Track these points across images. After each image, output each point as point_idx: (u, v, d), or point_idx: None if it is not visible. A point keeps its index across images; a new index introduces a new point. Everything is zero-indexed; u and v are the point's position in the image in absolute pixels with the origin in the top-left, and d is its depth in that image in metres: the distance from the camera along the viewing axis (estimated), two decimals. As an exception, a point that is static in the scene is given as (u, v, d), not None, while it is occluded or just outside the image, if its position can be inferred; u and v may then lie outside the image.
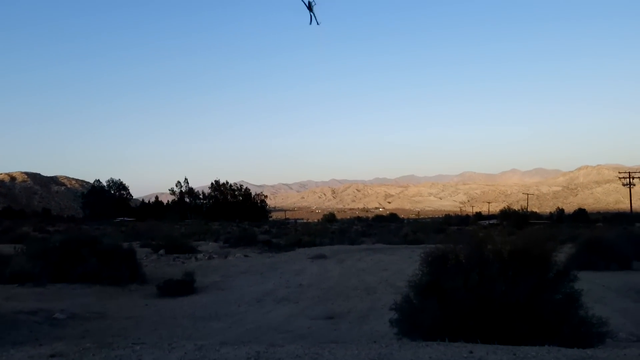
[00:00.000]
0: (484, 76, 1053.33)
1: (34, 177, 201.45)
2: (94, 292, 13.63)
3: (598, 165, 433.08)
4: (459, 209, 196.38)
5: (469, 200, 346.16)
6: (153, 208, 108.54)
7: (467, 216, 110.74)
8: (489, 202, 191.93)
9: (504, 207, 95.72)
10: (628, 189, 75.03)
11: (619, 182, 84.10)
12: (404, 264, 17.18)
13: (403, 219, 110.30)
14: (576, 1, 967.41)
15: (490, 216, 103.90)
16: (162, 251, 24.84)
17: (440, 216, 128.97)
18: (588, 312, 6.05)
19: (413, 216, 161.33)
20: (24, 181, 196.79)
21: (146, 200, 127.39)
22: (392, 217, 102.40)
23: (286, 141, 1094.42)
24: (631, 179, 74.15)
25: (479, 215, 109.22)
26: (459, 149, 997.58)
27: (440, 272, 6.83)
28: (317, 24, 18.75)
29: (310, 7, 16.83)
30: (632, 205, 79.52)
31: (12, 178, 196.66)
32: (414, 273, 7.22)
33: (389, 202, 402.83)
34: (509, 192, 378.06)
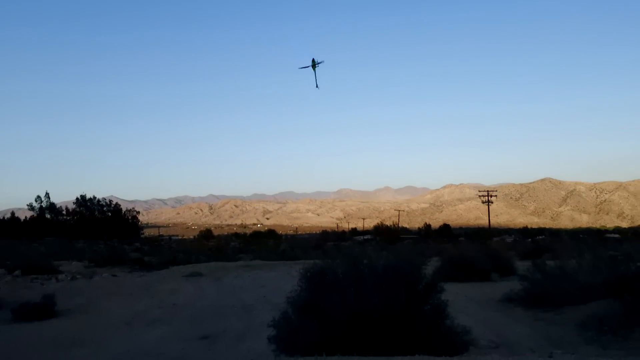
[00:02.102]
0: (360, 101, 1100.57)
1: None
2: None
3: (461, 184, 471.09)
4: (335, 225, 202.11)
5: (345, 217, 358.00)
6: (8, 225, 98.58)
7: (344, 232, 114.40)
8: (364, 219, 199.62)
9: (378, 223, 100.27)
10: (487, 206, 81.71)
11: (479, 199, 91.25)
12: (282, 281, 17.20)
13: (281, 235, 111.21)
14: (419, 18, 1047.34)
15: (365, 232, 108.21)
16: (17, 272, 22.56)
17: (318, 232, 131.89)
18: (453, 321, 6.45)
19: (291, 232, 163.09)
20: None
21: (0, 217, 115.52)
22: (271, 234, 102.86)
23: (161, 155, 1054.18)
24: (489, 197, 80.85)
25: (354, 231, 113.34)
26: (336, 167, 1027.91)
27: (319, 288, 6.92)
28: (316, 87, 18.70)
29: (314, 66, 16.81)
30: (490, 221, 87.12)
31: None
32: (293, 289, 7.24)
33: (268, 219, 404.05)
34: (382, 209, 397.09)
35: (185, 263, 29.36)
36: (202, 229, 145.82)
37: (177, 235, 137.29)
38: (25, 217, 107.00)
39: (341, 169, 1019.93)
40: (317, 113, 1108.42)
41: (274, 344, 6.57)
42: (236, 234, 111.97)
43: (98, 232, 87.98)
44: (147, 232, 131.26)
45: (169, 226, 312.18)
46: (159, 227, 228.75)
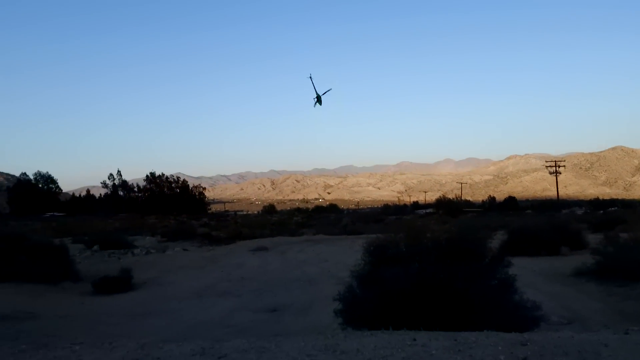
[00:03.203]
0: (418, 70, 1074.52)
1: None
2: (25, 291, 12.97)
3: (526, 154, 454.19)
4: (396, 199, 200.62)
5: (406, 190, 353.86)
6: (84, 202, 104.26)
7: (405, 205, 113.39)
8: (425, 192, 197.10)
9: (440, 197, 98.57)
10: (554, 177, 78.69)
11: (545, 170, 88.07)
12: (345, 255, 17.39)
13: (343, 210, 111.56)
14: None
15: (426, 205, 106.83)
16: (96, 247, 23.96)
17: (379, 206, 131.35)
18: (522, 296, 6.35)
19: (352, 206, 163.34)
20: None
21: (77, 194, 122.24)
22: (332, 208, 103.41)
23: (223, 133, 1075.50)
24: (557, 168, 77.78)
25: (416, 205, 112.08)
26: (396, 140, 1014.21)
27: (382, 262, 6.99)
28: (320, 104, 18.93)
29: (319, 99, 16.96)
30: (559, 192, 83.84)
31: None
32: (356, 263, 7.35)
33: (329, 193, 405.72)
34: (443, 182, 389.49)
35: (250, 238, 30.15)
36: (265, 204, 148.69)
37: (242, 211, 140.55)
38: (100, 194, 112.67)
39: (401, 142, 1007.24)
40: (373, 86, 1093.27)
41: (340, 317, 6.71)
42: (298, 209, 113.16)
43: (168, 207, 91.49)
44: (213, 208, 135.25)
45: (233, 202, 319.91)
46: (224, 202, 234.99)
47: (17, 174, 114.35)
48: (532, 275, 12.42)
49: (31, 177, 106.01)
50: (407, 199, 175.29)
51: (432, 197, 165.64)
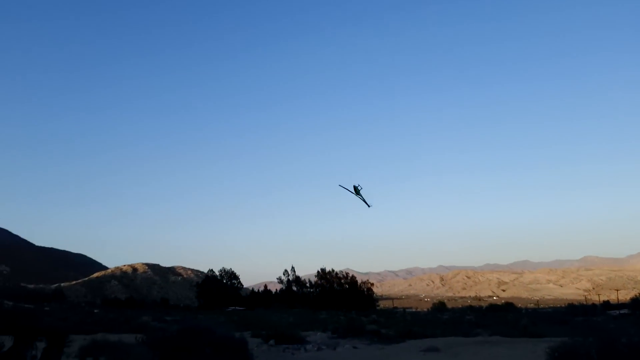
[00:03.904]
0: (604, 153, 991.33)
1: (154, 267, 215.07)
2: (209, 382, 13.85)
3: None
4: (583, 298, 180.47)
5: (593, 288, 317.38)
6: (262, 297, 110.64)
7: (594, 305, 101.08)
8: (617, 290, 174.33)
9: (636, 295, 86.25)
10: None
11: None
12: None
13: (520, 309, 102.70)
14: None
15: (620, 305, 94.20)
16: (272, 341, 24.97)
17: (562, 305, 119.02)
18: None
19: (532, 305, 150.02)
20: (144, 272, 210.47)
21: (255, 289, 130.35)
22: (508, 306, 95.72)
23: (391, 228, 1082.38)
24: None
25: (607, 304, 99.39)
26: (579, 231, 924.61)
27: (571, 370, 6.27)
28: (368, 206, 19.43)
29: (357, 192, 17.69)
30: None
31: (134, 269, 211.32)
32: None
33: (503, 290, 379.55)
34: (639, 278, 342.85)
35: (421, 337, 29.03)
36: (434, 300, 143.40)
37: (411, 307, 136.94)
38: (276, 289, 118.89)
39: (584, 233, 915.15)
40: (546, 171, 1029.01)
41: None
42: (470, 307, 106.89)
43: (337, 303, 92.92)
44: (381, 304, 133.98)
45: (401, 298, 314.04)
46: (392, 299, 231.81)
47: (205, 271, 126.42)
48: None
49: (217, 273, 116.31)
50: (596, 298, 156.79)
51: (625, 295, 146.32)
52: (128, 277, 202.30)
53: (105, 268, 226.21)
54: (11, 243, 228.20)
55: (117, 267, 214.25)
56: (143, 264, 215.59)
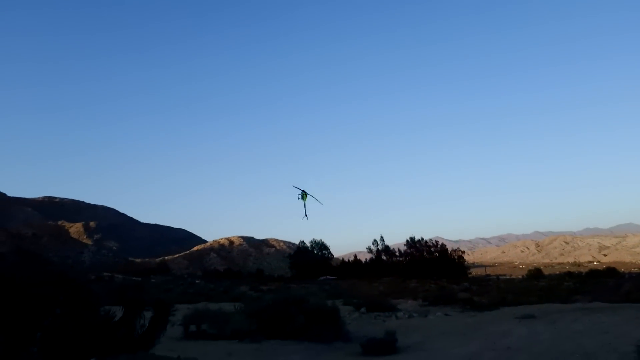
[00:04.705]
0: None
1: (249, 240, 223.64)
2: (303, 349, 14.42)
3: None
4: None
5: None
6: (352, 267, 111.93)
7: None
8: None
9: None
10: None
11: None
12: (630, 326, 15.06)
13: (624, 274, 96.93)
14: None
15: None
16: (363, 309, 25.40)
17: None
18: None
19: (635, 270, 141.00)
20: (240, 244, 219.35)
21: (346, 259, 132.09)
22: (610, 272, 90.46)
23: (482, 195, 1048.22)
24: None
25: None
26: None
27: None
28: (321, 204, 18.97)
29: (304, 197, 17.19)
30: None
31: (231, 242, 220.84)
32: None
33: (604, 255, 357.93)
34: None
35: (515, 304, 28.32)
36: (530, 267, 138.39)
37: (505, 275, 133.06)
38: (365, 259, 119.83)
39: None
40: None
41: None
42: (569, 273, 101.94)
43: (427, 271, 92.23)
44: (473, 272, 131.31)
45: (494, 265, 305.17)
46: (484, 266, 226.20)
47: (297, 242, 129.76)
48: None
49: (308, 244, 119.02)
50: None
51: None
52: (225, 250, 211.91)
53: (205, 241, 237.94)
54: (119, 221, 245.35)
55: (215, 241, 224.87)
56: (239, 237, 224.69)
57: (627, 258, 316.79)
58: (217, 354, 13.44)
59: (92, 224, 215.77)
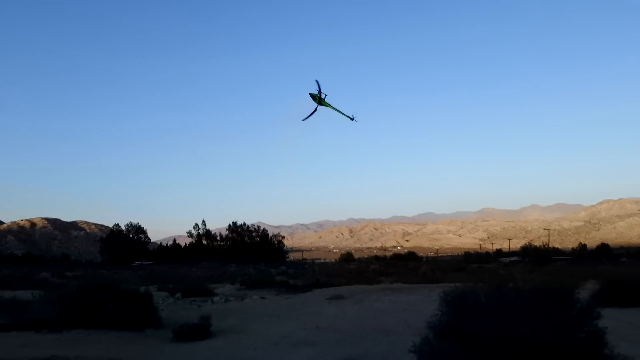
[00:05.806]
0: (501, 113, 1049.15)
1: (54, 222, 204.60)
2: (110, 337, 13.51)
3: (620, 199, 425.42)
4: (478, 246, 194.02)
5: (488, 237, 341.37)
6: (171, 251, 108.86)
7: (488, 253, 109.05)
8: (509, 239, 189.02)
9: (525, 244, 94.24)
10: (651, 222, 73.30)
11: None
12: (423, 304, 16.82)
13: (422, 257, 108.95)
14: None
15: (511, 253, 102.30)
16: (178, 295, 24.72)
17: (460, 254, 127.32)
18: (613, 350, 5.85)
19: (432, 254, 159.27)
20: (43, 227, 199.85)
21: (164, 244, 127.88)
22: (411, 256, 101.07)
23: (303, 181, 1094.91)
24: (654, 213, 72.56)
25: (499, 253, 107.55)
26: (478, 185, 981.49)
27: (461, 312, 6.66)
28: (351, 119, 18.27)
29: (321, 101, 16.76)
30: (657, 239, 77.59)
31: (33, 224, 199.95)
32: (433, 314, 7.06)
33: (407, 241, 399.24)
34: (529, 228, 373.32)
35: (327, 286, 29.97)
36: (343, 252, 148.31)
37: (320, 259, 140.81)
38: (185, 243, 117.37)
39: (483, 187, 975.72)
40: (453, 129, 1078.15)
41: (415, 370, 6.43)
42: (376, 257, 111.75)
43: (248, 256, 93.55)
44: (291, 256, 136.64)
45: (311, 250, 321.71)
46: (302, 251, 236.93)
47: (111, 225, 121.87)
48: (627, 328, 11.40)
49: (123, 228, 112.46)
50: (490, 247, 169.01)
51: (517, 244, 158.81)
52: (26, 232, 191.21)
53: (1, 223, 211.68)
54: None
55: (14, 222, 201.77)
56: (42, 218, 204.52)
57: (426, 243, 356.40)
58: (8, 346, 11.98)
59: None
